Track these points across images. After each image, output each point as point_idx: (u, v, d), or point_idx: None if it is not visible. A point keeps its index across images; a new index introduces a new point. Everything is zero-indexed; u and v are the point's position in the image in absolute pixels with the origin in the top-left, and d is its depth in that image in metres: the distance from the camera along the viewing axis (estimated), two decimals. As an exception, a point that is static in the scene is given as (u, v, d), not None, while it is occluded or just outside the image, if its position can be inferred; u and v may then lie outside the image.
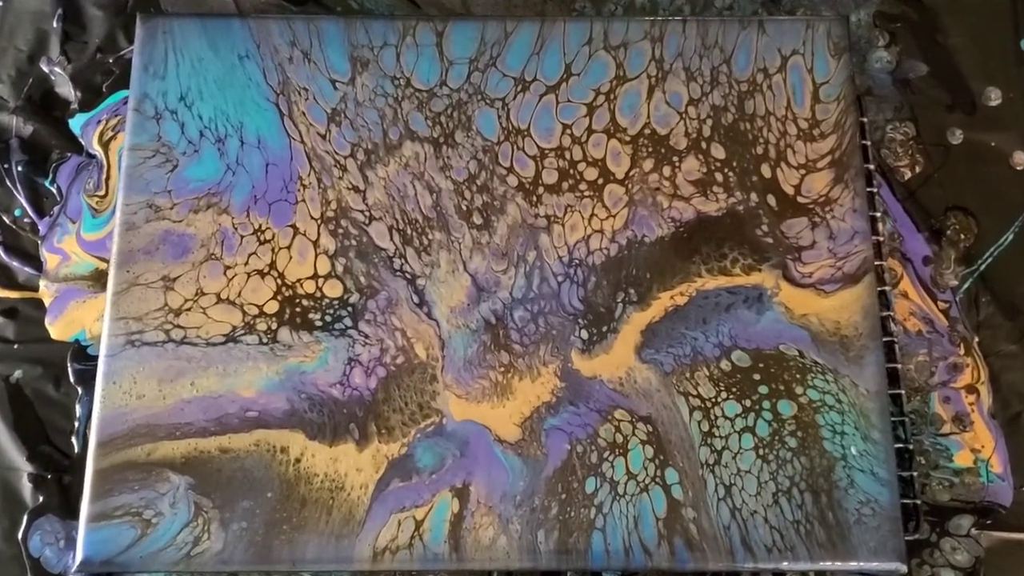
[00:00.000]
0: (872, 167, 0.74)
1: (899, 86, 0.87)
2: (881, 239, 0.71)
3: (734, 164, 0.76)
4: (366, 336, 0.68)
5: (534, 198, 0.72)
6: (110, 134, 0.76)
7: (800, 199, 0.76)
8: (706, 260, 0.70)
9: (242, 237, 0.71)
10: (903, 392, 0.69)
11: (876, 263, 0.69)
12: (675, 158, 0.75)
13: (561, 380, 0.68)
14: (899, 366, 0.69)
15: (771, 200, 0.76)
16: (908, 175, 0.84)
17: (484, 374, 0.68)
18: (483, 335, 0.68)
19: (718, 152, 0.77)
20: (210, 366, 0.67)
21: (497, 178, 0.76)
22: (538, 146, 0.77)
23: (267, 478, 0.64)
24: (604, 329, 0.69)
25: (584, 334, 0.69)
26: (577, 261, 0.71)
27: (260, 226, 0.71)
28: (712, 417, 0.67)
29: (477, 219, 0.71)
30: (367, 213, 0.72)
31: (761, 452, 0.65)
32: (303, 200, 0.75)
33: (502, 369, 0.68)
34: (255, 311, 0.69)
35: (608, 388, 0.67)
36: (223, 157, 0.74)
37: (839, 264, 0.73)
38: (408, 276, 0.70)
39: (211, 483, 0.63)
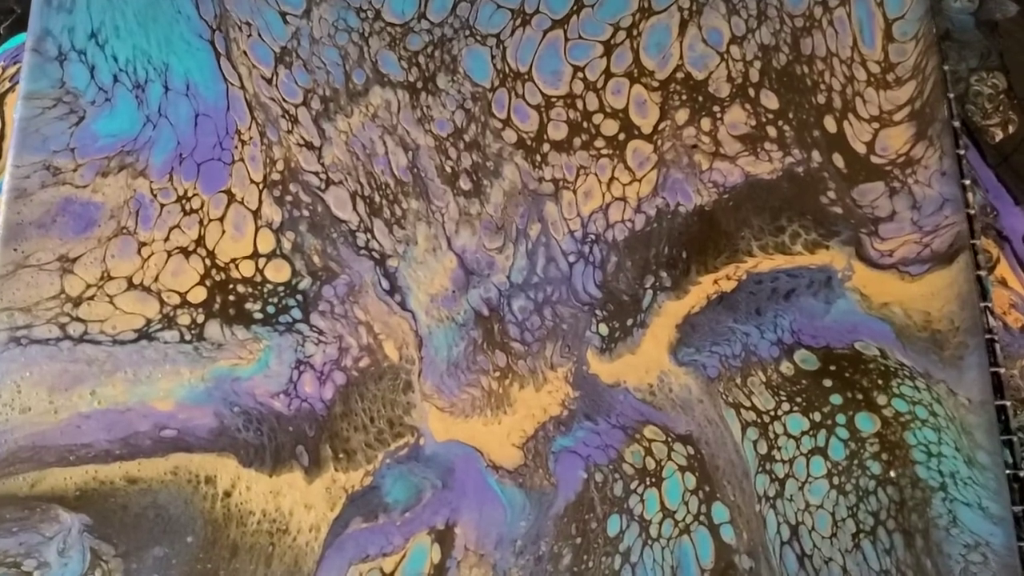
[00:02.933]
0: (957, 124, 0.70)
1: (984, 29, 0.83)
2: (971, 212, 0.67)
3: (790, 116, 0.72)
4: (320, 332, 0.64)
5: (537, 157, 0.70)
6: (7, 85, 0.71)
7: (874, 159, 0.72)
8: (758, 235, 0.67)
9: (162, 206, 0.66)
10: (1008, 404, 0.65)
11: (970, 241, 0.66)
12: (716, 108, 0.71)
13: (574, 388, 0.64)
14: (1001, 370, 0.65)
15: (838, 160, 0.71)
16: (1000, 136, 0.79)
17: (474, 380, 0.64)
18: (473, 330, 0.65)
19: (769, 101, 0.72)
20: (117, 371, 0.62)
21: (491, 133, 0.71)
22: (542, 93, 0.71)
23: (187, 517, 0.60)
24: (629, 323, 0.66)
25: (603, 329, 0.66)
26: (593, 237, 0.67)
27: (186, 192, 0.68)
28: (771, 436, 0.64)
29: (465, 183, 0.68)
30: (323, 176, 0.69)
31: (836, 480, 0.62)
32: (241, 160, 0.69)
33: (497, 374, 0.64)
34: (176, 300, 0.64)
35: (635, 398, 0.65)
36: (142, 107, 0.68)
37: (926, 240, 0.70)
38: (376, 255, 0.66)
39: (114, 524, 0.59)
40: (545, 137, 0.71)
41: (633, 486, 0.62)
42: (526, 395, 0.64)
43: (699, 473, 0.62)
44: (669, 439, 0.63)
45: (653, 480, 0.62)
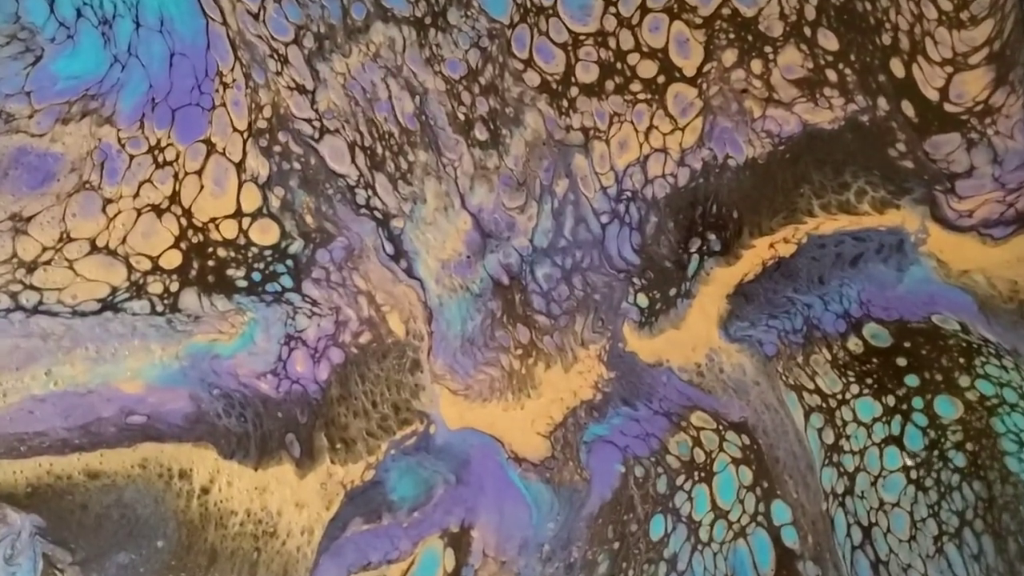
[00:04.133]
0: (1040, 69, 0.70)
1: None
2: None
3: (851, 58, 0.67)
4: (314, 303, 0.62)
5: (564, 103, 0.66)
6: (-42, 27, 0.70)
7: (948, 107, 0.67)
8: (820, 192, 0.64)
9: (131, 158, 0.62)
10: (1104, 386, 0.61)
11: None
12: (768, 49, 0.67)
13: (609, 368, 0.63)
14: (1094, 348, 0.61)
15: (907, 108, 0.67)
16: (1085, 84, 0.76)
17: (492, 359, 0.62)
18: (491, 302, 0.62)
19: (828, 41, 0.67)
20: (76, 347, 0.59)
21: (510, 75, 0.66)
22: (569, 30, 0.66)
23: (158, 518, 0.57)
24: (672, 293, 0.64)
25: (642, 300, 0.64)
26: (629, 194, 0.65)
27: (159, 142, 0.62)
28: (839, 423, 0.61)
29: (481, 133, 0.65)
30: (317, 124, 0.64)
31: (914, 475, 0.60)
32: (223, 105, 0.63)
33: (519, 352, 0.62)
34: (147, 265, 0.61)
35: (680, 380, 0.63)
36: (109, 45, 0.62)
37: (1010, 199, 0.66)
38: (378, 215, 0.64)
39: (71, 526, 0.56)
40: (573, 80, 0.66)
41: (679, 482, 0.60)
42: (553, 376, 0.61)
43: (756, 466, 0.60)
44: (720, 427, 0.61)
45: (703, 475, 0.60)
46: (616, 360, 0.62)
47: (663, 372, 0.62)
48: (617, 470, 0.60)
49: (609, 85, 0.67)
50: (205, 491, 0.57)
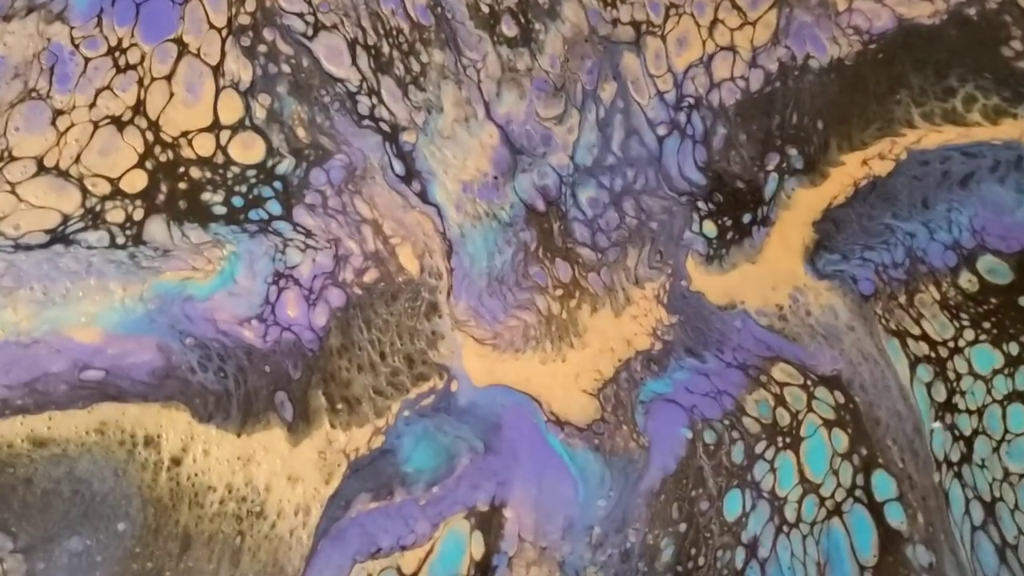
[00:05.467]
0: None
1: None
2: None
3: None
4: (308, 234, 0.56)
5: None
6: None
7: None
8: (920, 99, 0.61)
9: (87, 61, 0.57)
10: None
11: None
12: None
13: (671, 312, 0.58)
14: None
15: None
16: None
17: (527, 301, 0.57)
18: (523, 231, 0.57)
19: None
20: (19, 287, 0.54)
21: None
22: None
23: (119, 495, 0.51)
24: (746, 219, 0.59)
25: (709, 228, 0.59)
26: (691, 100, 0.61)
27: (120, 42, 0.57)
28: (951, 376, 0.57)
29: (509, 28, 0.60)
30: (310, 18, 0.59)
31: None
32: None
33: (559, 292, 0.57)
34: (105, 189, 0.56)
35: (758, 325, 0.58)
36: None
37: None
38: (385, 128, 0.58)
39: (12, 505, 0.51)
40: None
41: (759, 449, 0.56)
42: (601, 321, 0.57)
43: (852, 430, 0.56)
44: (808, 382, 0.57)
45: (788, 440, 0.56)
46: (678, 301, 0.58)
47: (737, 316, 0.58)
48: (682, 435, 0.56)
49: (663, -31, 0.63)
50: (176, 462, 0.53)
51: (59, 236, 0.53)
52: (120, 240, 0.53)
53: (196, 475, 0.52)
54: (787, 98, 0.60)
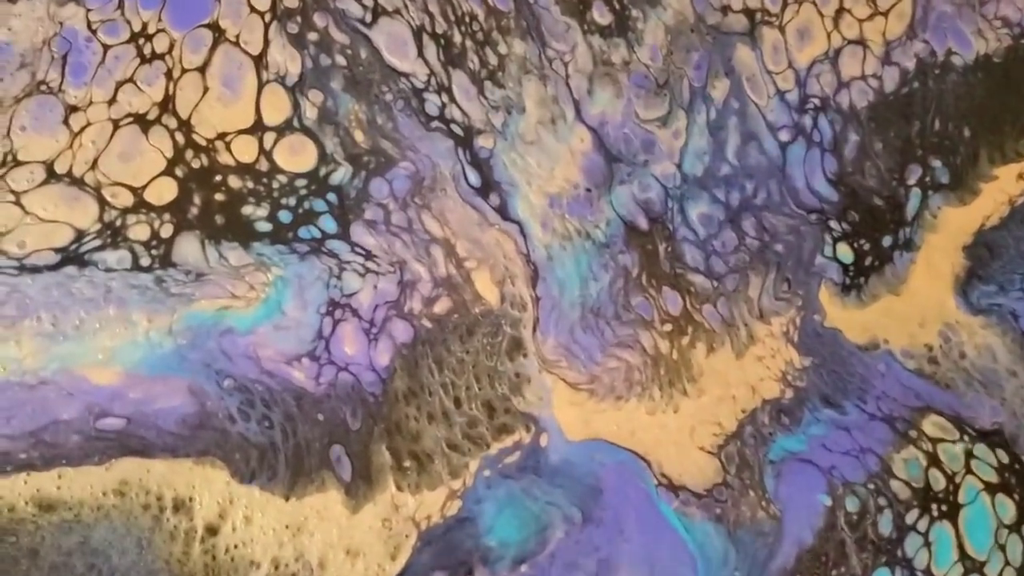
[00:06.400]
0: None
1: None
2: None
3: None
4: (368, 255, 0.59)
5: None
6: None
7: None
8: None
9: (105, 49, 0.60)
10: None
11: None
12: None
13: (802, 352, 0.62)
14: None
15: None
16: None
17: (628, 338, 0.60)
18: (623, 254, 0.61)
19: None
20: (24, 317, 0.56)
21: None
22: None
23: (142, 571, 0.54)
24: (886, 242, 0.64)
25: (844, 253, 0.64)
26: (817, 101, 0.65)
27: (145, 27, 0.60)
28: None
29: (601, 15, 0.63)
30: (369, 0, 0.62)
31: None
32: None
33: (669, 328, 0.61)
34: (127, 200, 0.58)
35: (905, 369, 0.62)
36: None
37: None
38: (457, 131, 0.62)
39: None
40: None
41: (911, 519, 0.59)
42: (720, 363, 0.60)
43: (1021, 496, 0.60)
44: (966, 437, 0.61)
45: (944, 508, 0.59)
46: (811, 340, 0.62)
47: (880, 358, 0.62)
48: (820, 502, 0.59)
49: (780, -49, 0.69)
50: (212, 531, 0.55)
51: (72, 256, 0.56)
52: (145, 261, 0.57)
53: (236, 547, 0.54)
54: (928, 101, 0.65)
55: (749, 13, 0.64)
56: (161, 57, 0.59)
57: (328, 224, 0.59)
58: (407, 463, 0.57)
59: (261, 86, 0.60)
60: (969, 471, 0.60)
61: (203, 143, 0.59)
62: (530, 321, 0.59)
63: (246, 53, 0.60)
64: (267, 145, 0.59)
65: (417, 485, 0.56)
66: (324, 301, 0.58)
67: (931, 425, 0.60)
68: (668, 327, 0.60)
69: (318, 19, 0.61)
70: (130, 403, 0.55)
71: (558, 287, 0.60)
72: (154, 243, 0.57)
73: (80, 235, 0.56)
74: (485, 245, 0.60)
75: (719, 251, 0.62)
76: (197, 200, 0.58)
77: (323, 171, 0.59)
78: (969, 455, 0.60)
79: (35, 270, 0.56)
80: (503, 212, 0.60)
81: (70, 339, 0.55)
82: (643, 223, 0.61)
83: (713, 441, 0.59)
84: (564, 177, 0.61)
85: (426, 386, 0.58)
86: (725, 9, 0.64)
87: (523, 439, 0.58)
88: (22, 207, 0.56)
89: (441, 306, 0.59)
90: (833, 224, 0.63)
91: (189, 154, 0.58)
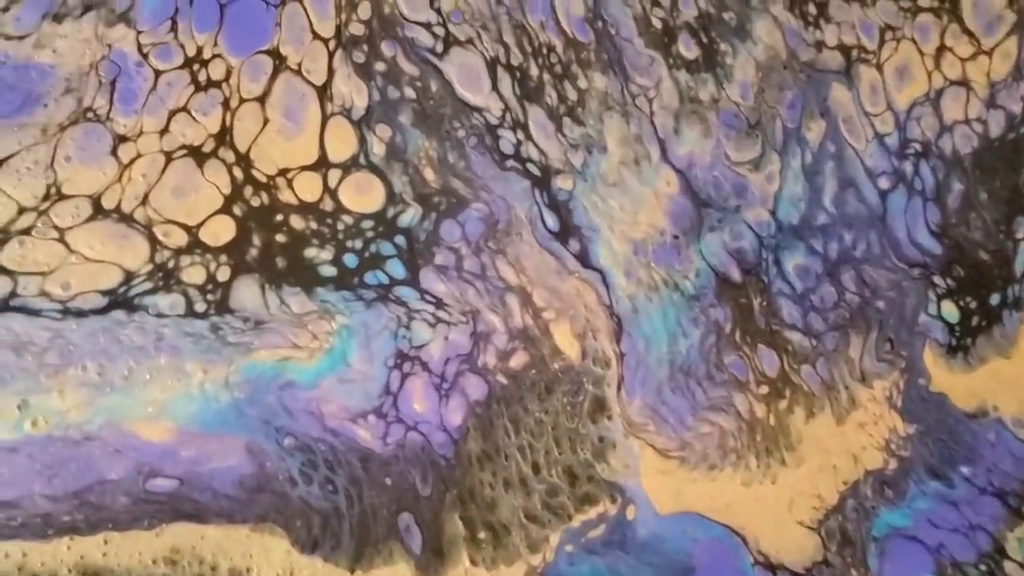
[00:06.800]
0: None
1: None
2: None
3: None
4: (438, 303, 0.60)
5: (811, 8, 0.67)
6: None
7: None
8: None
9: (157, 75, 0.61)
10: None
11: None
12: None
13: (907, 419, 0.62)
14: None
15: None
16: None
17: (722, 401, 0.61)
18: (715, 308, 0.62)
19: None
20: (68, 365, 0.56)
21: None
22: None
23: None
24: (994, 301, 0.65)
25: (950, 311, 0.65)
26: (918, 146, 0.66)
27: (199, 51, 0.62)
28: None
29: (688, 48, 0.65)
30: (440, 30, 0.64)
31: None
32: None
33: (765, 390, 0.61)
34: (181, 240, 0.59)
35: (1016, 439, 0.63)
36: None
37: None
38: (534, 171, 0.63)
39: None
40: None
41: None
42: (820, 429, 0.61)
43: None
44: None
45: None
46: (916, 406, 0.62)
47: (989, 426, 0.62)
48: None
49: (876, -17, 0.70)
50: None
51: (120, 300, 0.57)
52: (200, 307, 0.57)
53: (296, 625, 0.55)
54: (1043, 149, 0.67)
55: (845, 50, 0.66)
56: (217, 85, 0.60)
57: (396, 269, 0.60)
58: (482, 534, 0.57)
59: (325, 119, 0.61)
60: (1094, 553, 0.61)
61: (263, 179, 0.60)
62: (614, 379, 0.60)
63: (309, 83, 0.61)
64: (332, 183, 0.60)
65: (493, 559, 0.56)
66: (392, 353, 0.59)
67: (1049, 500, 0.62)
68: (764, 389, 0.61)
69: (386, 48, 0.63)
70: (183, 462, 0.56)
71: (644, 342, 0.61)
72: (210, 287, 0.58)
73: (129, 277, 0.57)
74: (564, 295, 0.61)
75: (817, 307, 0.62)
76: (257, 241, 0.59)
77: (391, 212, 0.61)
78: (1093, 535, 0.61)
79: (80, 314, 0.56)
80: (583, 259, 0.61)
81: (118, 390, 0.56)
82: (736, 274, 0.62)
83: (813, 515, 0.59)
84: (649, 222, 0.62)
85: (502, 449, 0.58)
86: (819, 45, 0.65)
87: (608, 511, 0.58)
88: (66, 245, 0.57)
89: (517, 360, 0.60)
90: (937, 280, 0.64)
91: (248, 191, 0.59)
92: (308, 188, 0.60)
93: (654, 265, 0.62)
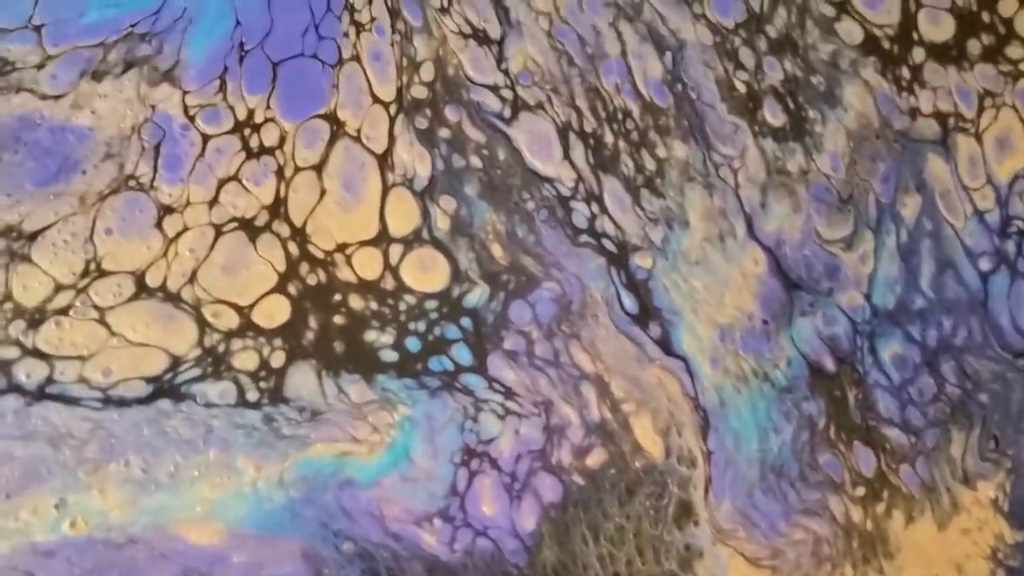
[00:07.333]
0: None
1: None
2: None
3: None
4: (508, 393, 0.63)
5: (905, 73, 0.70)
6: None
7: None
8: None
9: (205, 139, 0.64)
10: None
11: None
12: None
13: (1014, 525, 0.64)
14: None
15: None
16: None
17: (816, 505, 0.63)
18: (808, 401, 0.65)
19: None
20: (110, 460, 0.58)
21: (815, 23, 0.70)
22: None
23: None
24: None
25: None
26: (1020, 225, 0.70)
27: (251, 114, 0.65)
28: None
29: (773, 114, 0.68)
30: (508, 93, 0.67)
31: None
32: (355, 58, 0.66)
33: (862, 492, 0.64)
34: (231, 321, 0.62)
35: None
36: None
37: None
38: (610, 247, 0.65)
39: None
40: (916, 36, 0.70)
41: None
42: (921, 535, 0.63)
43: None
44: None
45: None
46: None
47: None
48: None
49: (974, 46, 0.71)
50: None
51: (166, 387, 0.59)
52: (252, 396, 0.60)
53: None
54: None
55: (941, 118, 0.69)
56: (270, 152, 0.63)
57: (462, 354, 0.63)
58: (559, 651, 0.60)
59: (386, 190, 0.64)
60: None
61: (320, 255, 0.62)
62: (701, 481, 0.62)
63: (368, 150, 0.64)
64: (393, 259, 0.63)
65: None
66: (458, 448, 0.61)
67: None
68: (861, 491, 0.63)
69: (450, 113, 0.66)
70: (234, 568, 0.57)
71: (733, 439, 0.63)
72: (263, 374, 0.60)
73: (176, 362, 0.60)
74: (645, 385, 0.63)
75: (916, 400, 0.65)
76: (313, 323, 0.62)
77: (456, 291, 0.63)
78: None
79: (123, 403, 0.59)
80: (665, 346, 0.64)
81: (163, 488, 0.58)
82: (829, 364, 0.65)
83: (922, 635, 0.63)
84: (736, 305, 0.65)
85: (579, 558, 0.60)
86: (914, 112, 0.69)
87: (695, 625, 0.61)
88: (107, 326, 0.59)
89: (595, 459, 0.61)
90: (1049, 373, 0.68)
91: (304, 268, 0.62)
92: (368, 265, 0.63)
93: (742, 353, 0.64)
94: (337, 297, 0.63)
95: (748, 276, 0.65)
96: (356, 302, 0.63)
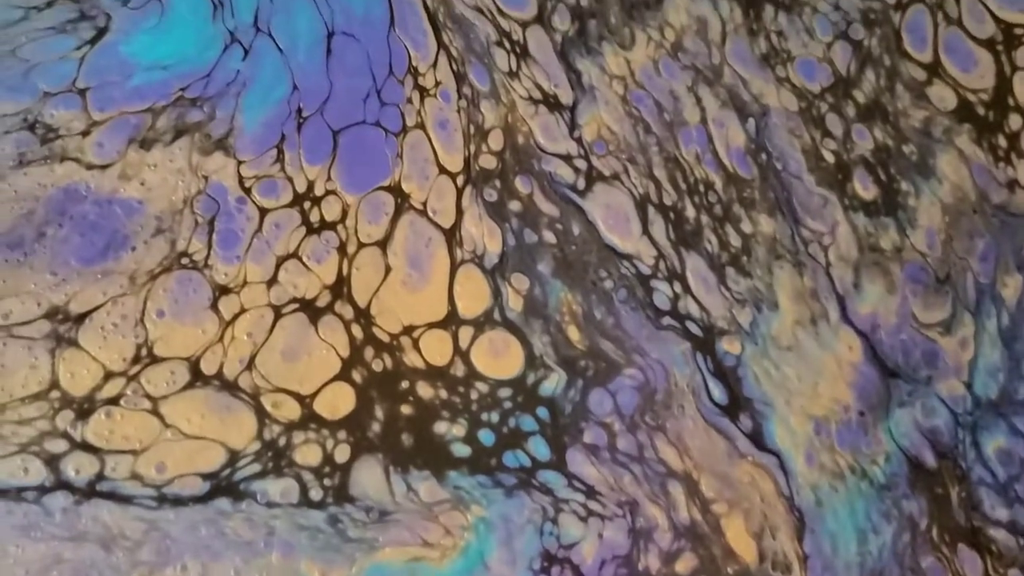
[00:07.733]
0: None
1: None
2: None
3: None
4: (589, 491, 0.63)
5: (1000, 140, 0.72)
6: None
7: None
8: None
9: (262, 213, 0.65)
10: None
11: None
12: None
13: None
14: None
15: None
16: None
17: None
18: (907, 499, 0.65)
19: None
20: (166, 563, 0.59)
21: (905, 88, 0.72)
22: (997, 17, 0.74)
23: None
24: None
25: None
26: None
27: (311, 186, 0.66)
28: None
29: (864, 186, 0.70)
30: (582, 163, 0.68)
31: None
32: (419, 126, 0.68)
33: None
34: (293, 412, 0.63)
35: None
36: (220, 15, 0.67)
37: None
38: (695, 330, 0.66)
39: None
40: (1011, 101, 0.73)
41: None
42: None
43: None
44: None
45: None
46: None
47: None
48: None
49: (1078, 114, 0.77)
50: None
51: (224, 485, 0.60)
52: (316, 494, 0.61)
53: None
54: None
55: (1045, 188, 0.73)
56: (332, 227, 0.65)
57: (539, 448, 0.64)
58: None
59: (454, 267, 0.66)
60: None
61: (386, 339, 0.64)
62: None
63: (435, 225, 0.66)
64: (463, 343, 0.65)
65: None
66: (537, 553, 0.62)
67: None
68: (990, 613, 0.65)
69: (520, 184, 0.68)
70: None
71: (830, 542, 0.64)
72: (327, 470, 0.61)
73: (234, 457, 0.61)
74: (736, 483, 0.64)
75: (1024, 498, 0.68)
76: (379, 414, 0.63)
77: (531, 378, 0.65)
78: None
79: (178, 502, 0.60)
80: (757, 440, 0.65)
81: None
82: (930, 459, 0.66)
83: None
84: (831, 395, 0.66)
85: None
86: (1012, 185, 0.71)
87: None
88: (160, 418, 0.60)
89: (685, 564, 0.62)
90: None
91: (369, 353, 0.64)
92: (437, 349, 0.65)
93: (838, 447, 0.66)
94: (404, 385, 0.64)
95: (843, 363, 0.67)
96: (424, 390, 0.64)
